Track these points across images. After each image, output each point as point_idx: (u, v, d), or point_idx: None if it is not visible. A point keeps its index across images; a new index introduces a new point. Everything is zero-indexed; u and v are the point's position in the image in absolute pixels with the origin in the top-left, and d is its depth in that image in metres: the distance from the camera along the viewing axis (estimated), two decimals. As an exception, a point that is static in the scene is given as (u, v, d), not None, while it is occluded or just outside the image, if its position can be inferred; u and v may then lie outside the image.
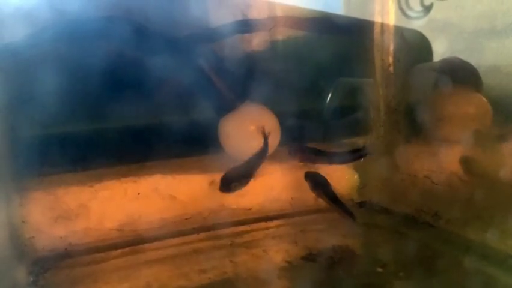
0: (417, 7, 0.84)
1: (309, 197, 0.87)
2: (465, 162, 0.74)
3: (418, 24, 0.86)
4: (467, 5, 0.83)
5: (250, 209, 0.82)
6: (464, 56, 0.81)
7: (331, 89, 0.98)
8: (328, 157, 0.81)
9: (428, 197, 0.79)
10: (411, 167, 0.83)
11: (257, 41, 0.90)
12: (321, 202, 0.86)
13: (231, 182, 0.68)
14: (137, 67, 0.73)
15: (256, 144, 0.82)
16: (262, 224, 0.80)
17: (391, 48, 0.88)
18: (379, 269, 0.63)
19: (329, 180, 0.78)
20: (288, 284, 0.61)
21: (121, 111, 0.74)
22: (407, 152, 0.84)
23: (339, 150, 0.84)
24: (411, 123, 0.84)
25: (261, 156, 0.76)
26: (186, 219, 0.78)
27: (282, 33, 0.92)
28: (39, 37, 0.67)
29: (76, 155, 0.75)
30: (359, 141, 0.93)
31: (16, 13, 0.66)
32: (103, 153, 0.76)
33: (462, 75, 0.80)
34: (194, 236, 0.75)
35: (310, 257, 0.68)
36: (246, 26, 0.87)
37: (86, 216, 0.72)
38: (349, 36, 0.96)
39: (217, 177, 0.79)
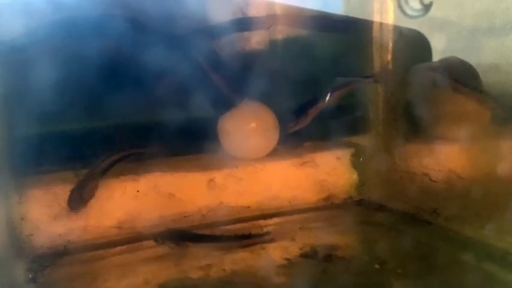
0: (417, 5, 0.84)
1: (308, 194, 0.87)
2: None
3: (417, 22, 0.86)
4: (466, 3, 0.83)
5: (249, 206, 0.82)
6: (464, 55, 0.81)
7: (330, 88, 0.98)
8: None
9: (426, 194, 0.79)
10: (409, 164, 0.83)
11: (256, 39, 0.90)
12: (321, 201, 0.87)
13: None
14: (135, 65, 0.73)
15: (255, 142, 0.83)
16: (261, 222, 0.80)
17: (390, 46, 0.88)
18: (377, 266, 0.63)
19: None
20: (287, 281, 0.61)
21: (120, 108, 0.74)
22: (406, 149, 0.84)
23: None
24: (409, 121, 0.84)
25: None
26: (185, 217, 0.78)
27: (281, 32, 0.92)
28: (38, 34, 0.67)
29: (74, 152, 0.75)
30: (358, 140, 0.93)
31: (15, 10, 0.66)
32: (102, 151, 0.76)
33: (460, 74, 0.81)
34: (193, 234, 0.75)
35: (308, 254, 0.68)
36: (245, 24, 0.87)
37: (85, 214, 0.72)
38: (348, 35, 0.96)
39: (216, 175, 0.80)
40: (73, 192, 0.69)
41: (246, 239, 0.71)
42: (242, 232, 0.73)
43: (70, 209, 0.69)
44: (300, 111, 0.80)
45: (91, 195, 0.70)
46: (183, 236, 0.70)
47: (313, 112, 0.80)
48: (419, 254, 0.67)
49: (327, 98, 0.82)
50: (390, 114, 0.88)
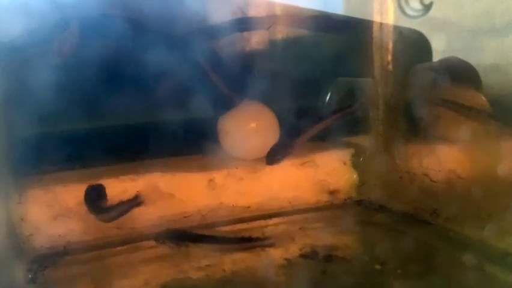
0: (417, 6, 0.84)
1: (308, 195, 0.87)
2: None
3: (417, 22, 0.86)
4: (466, 3, 0.83)
5: (249, 207, 0.82)
6: (464, 55, 0.81)
7: (330, 88, 0.99)
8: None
9: (426, 194, 0.79)
10: (409, 165, 0.83)
11: (256, 39, 0.90)
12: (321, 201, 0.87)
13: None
14: (135, 65, 0.73)
15: (255, 142, 0.83)
16: (261, 222, 0.80)
17: (390, 46, 0.88)
18: (377, 267, 0.63)
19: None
20: (287, 281, 0.61)
21: (120, 109, 0.74)
22: (406, 150, 0.84)
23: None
24: (410, 122, 0.84)
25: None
26: (185, 217, 0.78)
27: (281, 32, 0.92)
28: (38, 34, 0.67)
29: (74, 152, 0.75)
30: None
31: (14, 11, 0.66)
32: (101, 151, 0.76)
33: (461, 74, 0.81)
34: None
35: (308, 255, 0.68)
36: (245, 24, 0.87)
37: (84, 214, 0.72)
38: (348, 35, 0.96)
39: (216, 175, 0.80)
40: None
41: (247, 242, 0.71)
42: (242, 234, 0.73)
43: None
44: (287, 141, 0.79)
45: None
46: (183, 235, 0.70)
47: (299, 142, 0.80)
48: (419, 254, 0.67)
49: (315, 128, 0.83)
50: (390, 114, 0.88)
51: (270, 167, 0.83)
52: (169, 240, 0.69)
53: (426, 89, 0.82)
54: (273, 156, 0.78)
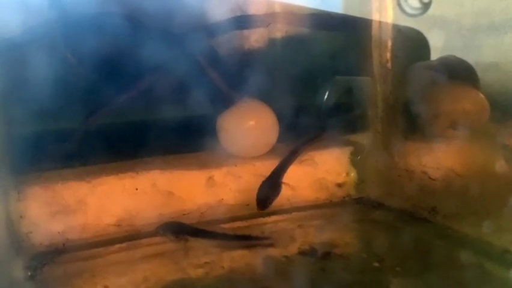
0: (416, 4, 0.84)
1: (307, 192, 0.87)
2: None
3: (416, 21, 0.86)
4: (465, 1, 0.83)
5: (247, 204, 0.82)
6: (463, 53, 0.81)
7: (329, 87, 0.99)
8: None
9: (425, 192, 0.79)
10: (408, 162, 0.83)
11: (255, 37, 0.90)
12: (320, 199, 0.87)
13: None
14: (135, 63, 0.73)
15: (253, 140, 0.83)
16: (260, 220, 0.80)
17: (389, 44, 0.88)
18: (376, 264, 0.63)
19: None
20: (285, 278, 0.61)
21: (119, 106, 0.74)
22: (404, 147, 0.84)
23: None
24: (408, 120, 0.84)
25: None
26: (184, 214, 0.78)
27: (280, 30, 0.92)
28: (37, 32, 0.67)
29: (74, 150, 0.75)
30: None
31: (12, 8, 0.66)
32: (101, 149, 0.76)
33: (459, 72, 0.81)
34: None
35: (307, 252, 0.68)
36: (244, 21, 0.87)
37: (84, 212, 0.72)
38: (347, 33, 0.96)
39: (215, 173, 0.80)
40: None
41: (246, 240, 0.71)
42: (242, 232, 0.73)
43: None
44: (274, 184, 0.76)
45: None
46: (184, 229, 0.70)
47: (283, 178, 0.79)
48: (418, 252, 0.68)
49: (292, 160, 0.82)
50: (389, 112, 0.88)
51: (269, 164, 0.83)
52: (170, 233, 0.69)
53: (425, 87, 0.83)
54: (264, 203, 0.74)
